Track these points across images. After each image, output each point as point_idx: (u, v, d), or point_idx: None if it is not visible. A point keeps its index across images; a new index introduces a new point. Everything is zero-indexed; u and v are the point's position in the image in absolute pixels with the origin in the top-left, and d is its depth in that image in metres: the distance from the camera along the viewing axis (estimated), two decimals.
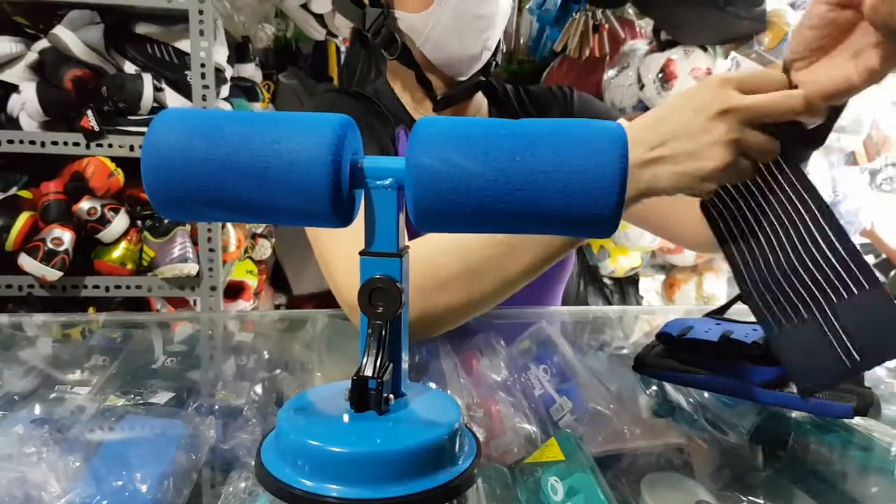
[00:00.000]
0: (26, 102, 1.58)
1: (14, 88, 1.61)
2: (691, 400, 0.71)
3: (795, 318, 0.58)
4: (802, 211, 0.57)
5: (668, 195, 0.60)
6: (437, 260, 0.67)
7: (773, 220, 0.59)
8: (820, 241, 0.57)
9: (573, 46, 2.04)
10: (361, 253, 0.42)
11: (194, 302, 1.83)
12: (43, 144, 1.61)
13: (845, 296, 0.56)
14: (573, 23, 2.03)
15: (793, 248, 0.58)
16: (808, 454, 0.64)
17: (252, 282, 2.09)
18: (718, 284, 2.42)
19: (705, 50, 2.04)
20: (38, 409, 0.60)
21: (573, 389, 0.72)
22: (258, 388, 0.70)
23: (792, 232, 0.58)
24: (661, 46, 2.04)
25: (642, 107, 2.15)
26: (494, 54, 0.95)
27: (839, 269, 0.56)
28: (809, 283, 0.57)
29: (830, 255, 0.56)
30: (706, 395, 0.71)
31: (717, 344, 0.68)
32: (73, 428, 0.55)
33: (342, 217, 0.41)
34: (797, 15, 1.94)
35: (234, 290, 1.98)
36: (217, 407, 0.65)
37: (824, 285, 0.57)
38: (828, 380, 0.59)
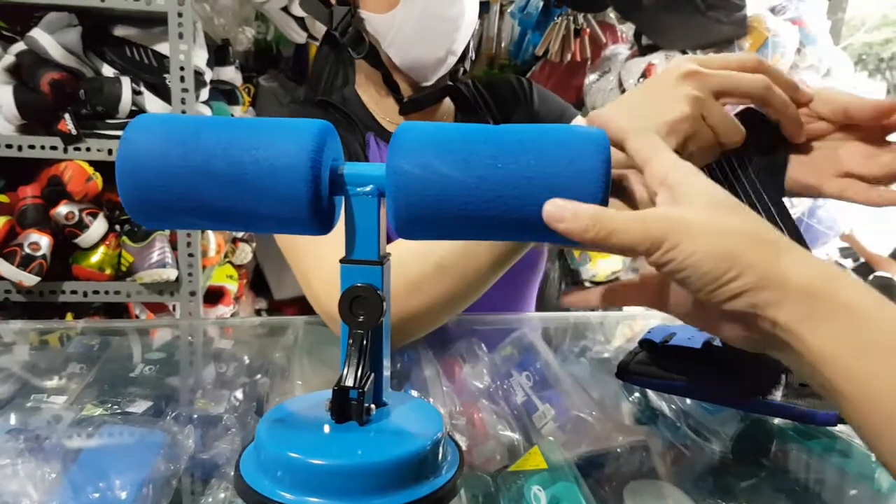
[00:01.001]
0: (3, 106, 1.55)
1: None
2: (674, 406, 0.71)
3: None
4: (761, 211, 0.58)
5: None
6: (405, 262, 0.66)
7: None
8: None
9: (555, 50, 2.05)
10: (342, 261, 0.42)
11: (174, 307, 1.82)
12: (20, 148, 1.58)
13: None
14: (555, 27, 2.04)
15: None
16: (791, 461, 0.64)
17: (232, 287, 2.07)
18: None
19: (685, 55, 2.05)
20: (13, 419, 0.59)
21: (556, 396, 0.72)
22: (238, 396, 0.70)
23: None
24: (643, 51, 2.06)
25: None
26: (462, 60, 0.95)
27: None
28: None
29: None
30: (689, 401, 0.71)
31: (700, 351, 0.68)
32: (50, 438, 0.54)
33: (322, 224, 0.41)
34: (777, 20, 1.96)
35: (215, 296, 1.97)
36: (196, 416, 0.64)
37: None
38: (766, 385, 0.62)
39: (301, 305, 2.60)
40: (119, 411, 0.62)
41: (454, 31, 0.88)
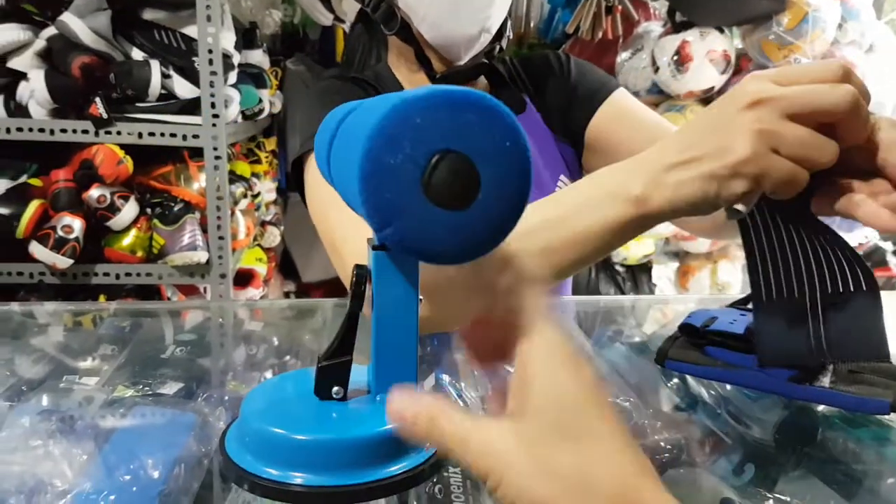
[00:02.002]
0: (35, 90, 1.56)
1: (23, 76, 1.59)
2: (713, 393, 0.69)
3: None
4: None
5: (699, 209, 0.53)
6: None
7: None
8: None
9: (585, 28, 2.00)
10: (375, 247, 0.40)
11: (204, 289, 1.83)
12: (52, 132, 1.59)
13: (840, 289, 0.54)
14: (585, 4, 1.99)
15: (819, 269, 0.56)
16: (837, 450, 0.62)
17: (262, 269, 2.08)
18: (733, 272, 2.39)
19: (722, 31, 2.00)
20: (45, 401, 0.59)
21: None
22: (268, 377, 0.69)
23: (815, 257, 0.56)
24: (676, 28, 2.01)
25: (656, 90, 2.11)
26: (499, 39, 0.92)
27: (843, 263, 0.54)
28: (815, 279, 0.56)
29: (837, 251, 0.54)
30: (729, 388, 0.69)
31: (743, 336, 0.66)
32: (81, 420, 0.54)
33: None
34: None
35: (244, 278, 1.98)
36: (227, 398, 0.63)
37: (826, 278, 0.55)
38: (788, 361, 0.59)
39: (329, 288, 2.63)
40: (150, 393, 0.61)
41: (487, 8, 0.85)
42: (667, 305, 1.11)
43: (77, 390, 0.61)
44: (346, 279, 0.73)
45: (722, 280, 2.40)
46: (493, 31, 0.88)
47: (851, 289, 0.54)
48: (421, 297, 0.62)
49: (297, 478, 0.37)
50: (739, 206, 0.52)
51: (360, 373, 0.43)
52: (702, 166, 0.51)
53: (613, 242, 0.58)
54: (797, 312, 0.56)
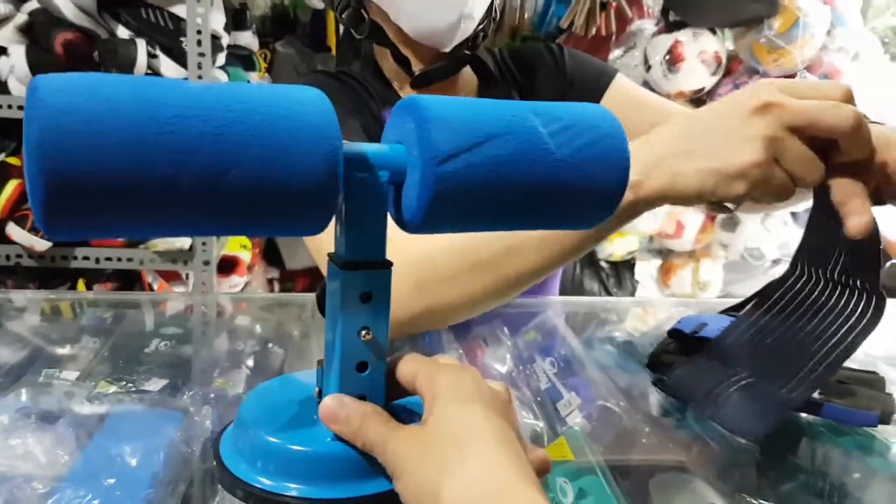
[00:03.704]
0: (15, 66, 1.53)
1: (2, 51, 1.55)
2: None
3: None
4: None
5: (690, 200, 0.54)
6: (439, 255, 0.63)
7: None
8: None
9: (580, 24, 1.99)
10: (340, 266, 0.36)
11: (186, 276, 1.80)
12: None
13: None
14: None
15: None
16: (821, 458, 0.63)
17: (245, 256, 2.06)
18: (714, 270, 2.41)
19: (714, 33, 2.00)
20: (24, 396, 0.57)
21: (581, 384, 0.70)
22: (256, 374, 0.68)
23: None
24: (670, 27, 2.01)
25: (647, 88, 2.11)
26: (483, 25, 0.88)
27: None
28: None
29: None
30: None
31: None
32: (63, 418, 0.52)
33: (325, 217, 0.33)
34: (809, 0, 1.90)
35: (228, 265, 1.95)
36: (213, 395, 0.62)
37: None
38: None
39: (313, 275, 2.60)
40: (134, 389, 0.60)
41: None
42: (660, 309, 1.11)
43: (57, 385, 0.59)
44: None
45: (703, 278, 2.41)
46: (477, 16, 0.84)
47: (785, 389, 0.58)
48: (437, 282, 0.62)
49: (293, 489, 0.36)
50: (729, 205, 0.53)
51: None
52: (706, 162, 0.51)
53: (602, 226, 0.58)
54: (728, 365, 0.62)
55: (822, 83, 0.51)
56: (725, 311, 0.74)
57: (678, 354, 0.70)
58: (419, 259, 0.61)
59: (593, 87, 0.94)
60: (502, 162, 0.35)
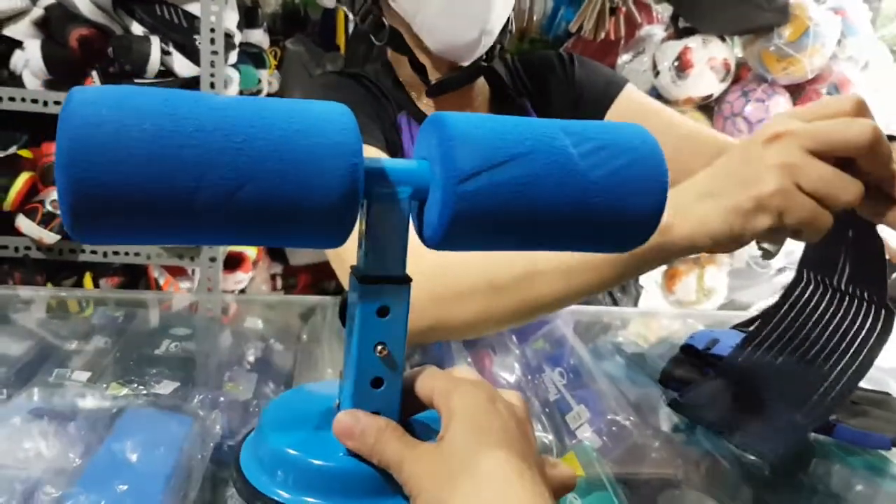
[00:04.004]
0: (30, 60, 1.53)
1: (18, 44, 1.55)
2: None
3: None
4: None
5: (722, 244, 0.52)
6: (458, 270, 0.62)
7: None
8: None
9: (589, 28, 1.99)
10: (361, 279, 0.36)
11: (192, 272, 1.80)
12: (46, 104, 1.56)
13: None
14: (590, 3, 1.98)
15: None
16: (831, 477, 0.62)
17: (251, 252, 2.06)
18: (719, 277, 2.40)
19: (723, 40, 2.00)
20: (36, 396, 0.57)
21: (591, 397, 0.70)
22: (266, 379, 0.68)
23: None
24: (679, 34, 2.00)
25: (655, 94, 2.11)
26: (501, 36, 0.87)
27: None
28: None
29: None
30: None
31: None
32: (74, 421, 0.53)
33: (345, 231, 0.33)
34: (820, 9, 1.89)
35: (234, 261, 1.95)
36: (223, 399, 0.62)
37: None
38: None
39: (316, 271, 2.60)
40: (145, 392, 0.60)
41: (486, 11, 0.81)
42: (671, 320, 1.10)
43: (69, 386, 0.60)
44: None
45: (708, 285, 2.40)
46: (496, 32, 0.84)
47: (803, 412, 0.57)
48: (453, 297, 0.61)
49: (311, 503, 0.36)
50: (769, 246, 0.51)
51: None
52: (727, 199, 0.50)
53: (630, 268, 0.57)
54: (744, 386, 0.61)
55: (832, 99, 0.50)
56: (737, 327, 0.74)
57: (691, 370, 0.69)
58: (436, 272, 0.60)
59: (602, 96, 0.93)
60: (527, 182, 0.34)
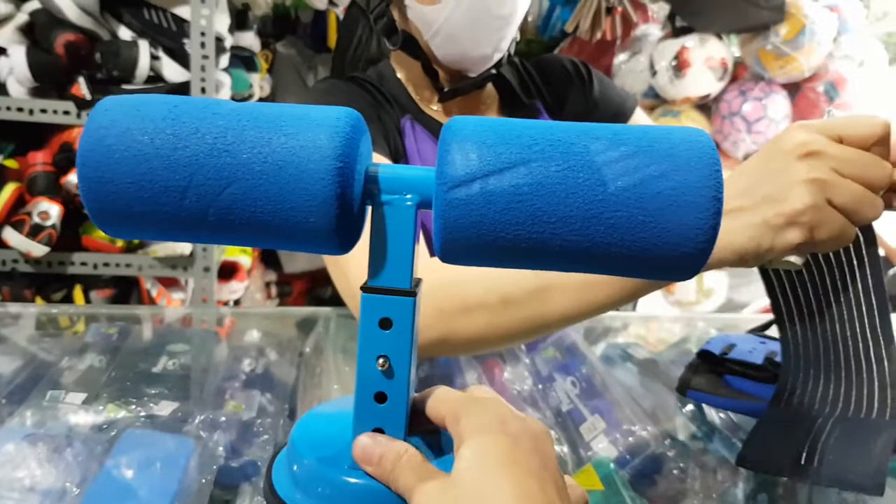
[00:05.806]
0: (15, 67, 1.49)
1: (2, 51, 1.52)
2: (727, 419, 0.68)
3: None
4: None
5: (750, 261, 0.51)
6: (466, 284, 0.60)
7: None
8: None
9: (585, 28, 1.97)
10: (363, 288, 0.34)
11: (186, 282, 1.77)
12: (31, 112, 1.52)
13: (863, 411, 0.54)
14: (585, 3, 1.96)
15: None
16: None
17: (246, 261, 2.03)
18: (719, 278, 2.39)
19: (720, 39, 1.99)
20: (29, 420, 0.54)
21: (605, 407, 0.68)
22: (268, 397, 0.65)
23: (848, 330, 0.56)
24: (676, 33, 1.98)
25: (653, 94, 2.10)
26: (509, 46, 0.87)
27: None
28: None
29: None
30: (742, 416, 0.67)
31: (762, 366, 0.64)
32: (71, 447, 0.50)
33: (346, 240, 0.33)
34: (816, 7, 1.88)
35: (228, 271, 1.92)
36: (224, 419, 0.59)
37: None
38: (768, 468, 0.58)
39: (311, 279, 2.58)
40: (144, 414, 0.57)
41: (503, 29, 0.81)
42: (677, 325, 1.09)
43: (63, 409, 0.56)
44: (351, 299, 0.69)
45: (708, 286, 2.40)
46: (506, 48, 0.84)
47: (874, 413, 0.53)
48: (461, 310, 0.59)
49: None
50: (794, 259, 0.50)
51: None
52: (754, 215, 0.49)
53: (647, 284, 0.56)
54: (803, 417, 0.56)
55: (858, 121, 0.49)
56: (753, 331, 0.72)
57: (710, 377, 0.67)
58: (444, 285, 0.58)
59: (618, 111, 0.94)
60: (531, 192, 0.31)
